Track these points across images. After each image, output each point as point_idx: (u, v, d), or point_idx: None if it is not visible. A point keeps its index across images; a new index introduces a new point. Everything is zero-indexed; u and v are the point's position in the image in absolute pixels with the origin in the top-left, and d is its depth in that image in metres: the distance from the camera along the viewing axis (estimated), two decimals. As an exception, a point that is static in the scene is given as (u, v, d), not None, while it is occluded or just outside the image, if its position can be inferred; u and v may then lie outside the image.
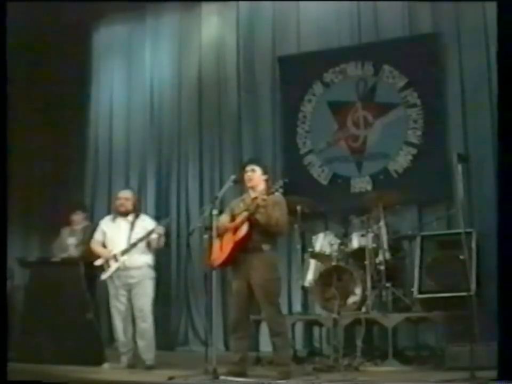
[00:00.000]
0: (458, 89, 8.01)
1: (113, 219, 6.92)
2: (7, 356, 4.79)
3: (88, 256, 6.97)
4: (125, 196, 6.92)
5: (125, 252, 6.62)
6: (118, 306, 6.66)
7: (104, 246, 6.83)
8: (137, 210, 6.97)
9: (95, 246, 6.86)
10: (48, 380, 5.74)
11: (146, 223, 6.85)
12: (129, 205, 6.86)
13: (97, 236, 6.89)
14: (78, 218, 7.75)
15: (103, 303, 7.29)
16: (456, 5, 8.09)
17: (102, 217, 9.50)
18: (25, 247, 9.67)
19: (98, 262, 6.71)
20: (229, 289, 6.49)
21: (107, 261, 6.65)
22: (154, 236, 6.65)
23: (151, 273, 6.78)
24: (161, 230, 6.71)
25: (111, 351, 6.92)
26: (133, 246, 6.64)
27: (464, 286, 5.73)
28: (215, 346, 5.63)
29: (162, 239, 6.81)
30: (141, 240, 6.64)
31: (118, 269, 6.61)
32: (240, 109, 9.31)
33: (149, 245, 6.72)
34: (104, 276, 6.67)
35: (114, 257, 6.63)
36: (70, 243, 7.59)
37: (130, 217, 6.84)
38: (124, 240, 6.69)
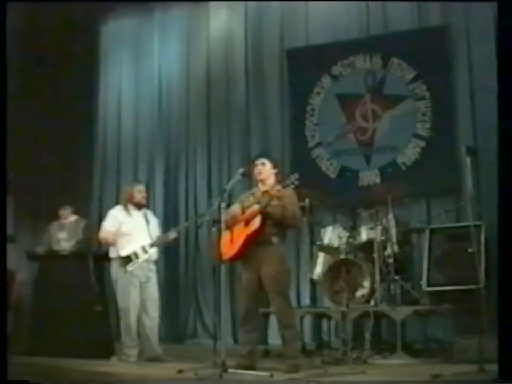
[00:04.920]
0: (467, 82, 7.98)
1: (127, 211, 6.83)
2: (7, 356, 4.78)
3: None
4: (145, 189, 6.99)
5: (153, 245, 6.70)
6: (135, 299, 6.61)
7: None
8: (147, 205, 7.07)
9: (109, 236, 6.73)
10: (56, 373, 5.75)
11: (154, 218, 7.04)
12: (146, 198, 6.98)
13: (109, 226, 6.77)
14: (66, 213, 7.70)
15: (112, 296, 7.29)
16: (465, -3, 8.06)
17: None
18: (33, 240, 9.68)
19: (124, 253, 6.62)
20: (238, 282, 6.49)
21: (135, 252, 6.62)
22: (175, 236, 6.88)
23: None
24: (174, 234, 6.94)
25: (119, 345, 6.93)
26: (163, 239, 6.76)
27: (472, 278, 5.70)
28: (223, 339, 5.66)
29: None
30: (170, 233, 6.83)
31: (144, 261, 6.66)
32: (248, 102, 9.31)
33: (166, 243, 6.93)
34: (131, 267, 6.57)
35: (143, 249, 6.65)
36: (60, 237, 7.57)
37: (142, 211, 6.88)
38: (145, 233, 6.73)
